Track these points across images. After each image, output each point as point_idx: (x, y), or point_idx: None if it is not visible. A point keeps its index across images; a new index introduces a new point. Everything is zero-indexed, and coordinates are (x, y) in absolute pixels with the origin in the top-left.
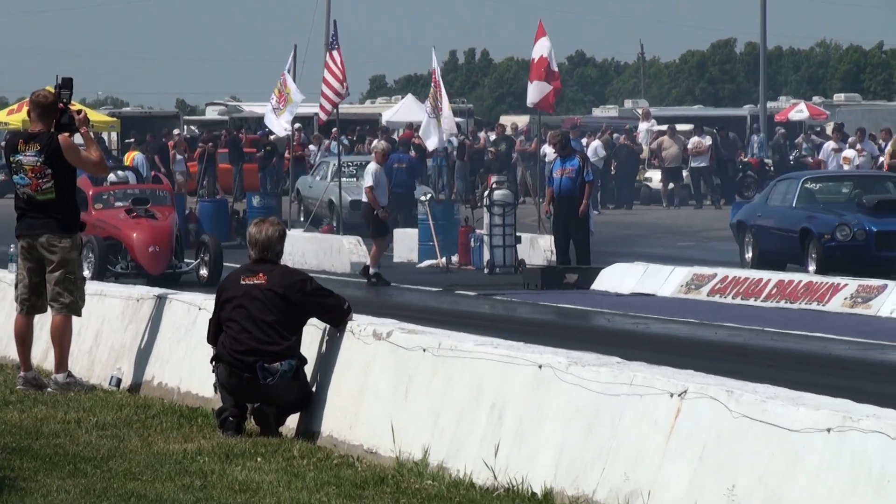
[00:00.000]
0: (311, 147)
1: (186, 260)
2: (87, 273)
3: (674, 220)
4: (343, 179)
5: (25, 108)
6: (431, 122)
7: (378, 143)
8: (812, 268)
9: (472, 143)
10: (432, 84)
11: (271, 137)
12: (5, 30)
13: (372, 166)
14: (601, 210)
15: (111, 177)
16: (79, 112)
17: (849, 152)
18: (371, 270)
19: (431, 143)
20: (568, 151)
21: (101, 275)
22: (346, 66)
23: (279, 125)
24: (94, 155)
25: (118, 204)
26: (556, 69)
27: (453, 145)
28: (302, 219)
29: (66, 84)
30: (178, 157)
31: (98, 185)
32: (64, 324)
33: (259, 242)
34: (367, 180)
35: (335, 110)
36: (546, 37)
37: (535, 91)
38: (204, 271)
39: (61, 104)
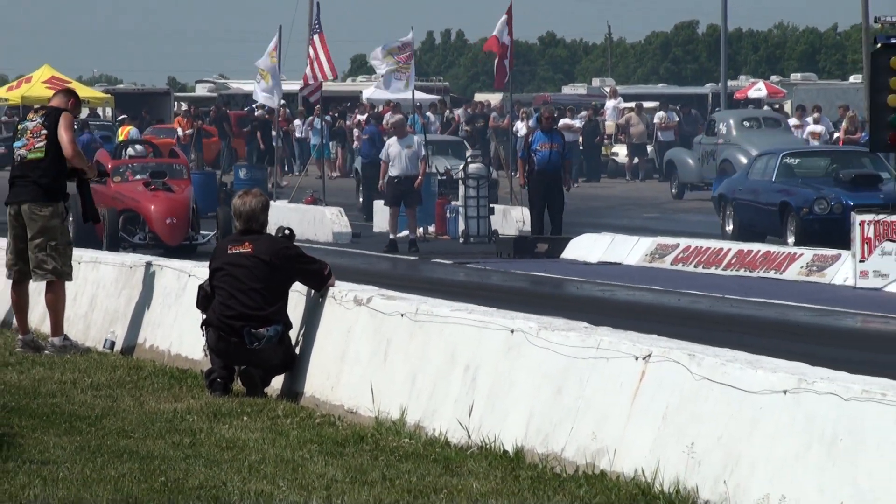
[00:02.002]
0: (297, 122)
1: (203, 231)
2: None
3: (640, 193)
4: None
5: (24, 85)
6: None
7: (392, 118)
8: (791, 240)
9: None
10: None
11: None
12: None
13: (388, 140)
14: (576, 183)
15: (129, 150)
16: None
17: (817, 127)
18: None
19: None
20: (552, 127)
21: (115, 246)
22: (330, 45)
23: (273, 99)
24: (75, 156)
25: (136, 177)
26: (505, 42)
27: (430, 120)
28: (361, 200)
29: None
30: (181, 132)
31: (117, 159)
32: (56, 290)
33: (244, 214)
34: (381, 154)
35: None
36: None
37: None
38: None
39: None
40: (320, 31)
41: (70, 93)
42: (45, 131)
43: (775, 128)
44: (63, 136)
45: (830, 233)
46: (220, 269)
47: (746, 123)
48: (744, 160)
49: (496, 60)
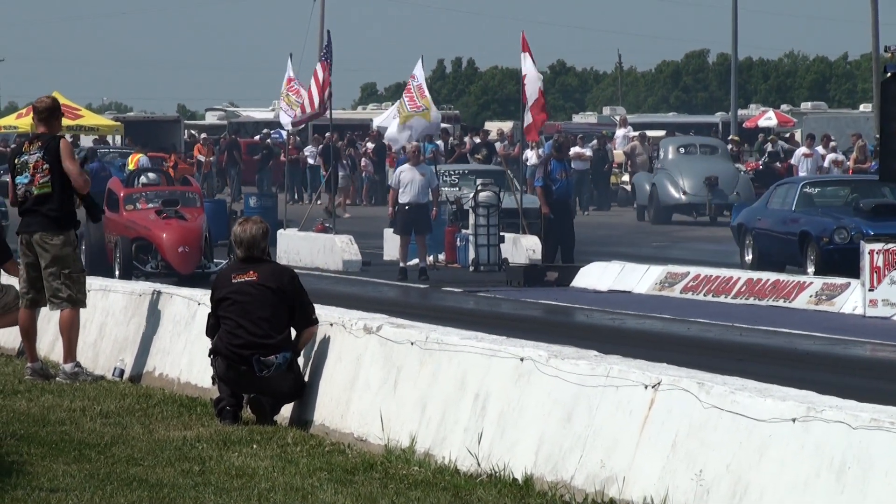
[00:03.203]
0: (310, 148)
1: (216, 260)
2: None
3: (649, 221)
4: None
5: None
6: (394, 122)
7: (409, 144)
8: (811, 269)
9: (459, 147)
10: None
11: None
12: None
13: (400, 167)
14: (588, 211)
15: (143, 178)
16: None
17: (835, 156)
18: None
19: (394, 144)
20: (565, 156)
21: (127, 275)
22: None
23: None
24: (79, 177)
25: (149, 205)
26: (543, 102)
27: (440, 149)
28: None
29: (92, 157)
30: (203, 158)
31: (129, 187)
32: (71, 316)
33: (244, 241)
34: (391, 181)
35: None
36: (533, 64)
37: (528, 118)
38: None
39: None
40: (326, 59)
41: (51, 112)
42: (47, 165)
43: (711, 154)
44: (71, 168)
45: (850, 262)
46: (226, 298)
47: (682, 150)
48: (670, 186)
49: (536, 121)
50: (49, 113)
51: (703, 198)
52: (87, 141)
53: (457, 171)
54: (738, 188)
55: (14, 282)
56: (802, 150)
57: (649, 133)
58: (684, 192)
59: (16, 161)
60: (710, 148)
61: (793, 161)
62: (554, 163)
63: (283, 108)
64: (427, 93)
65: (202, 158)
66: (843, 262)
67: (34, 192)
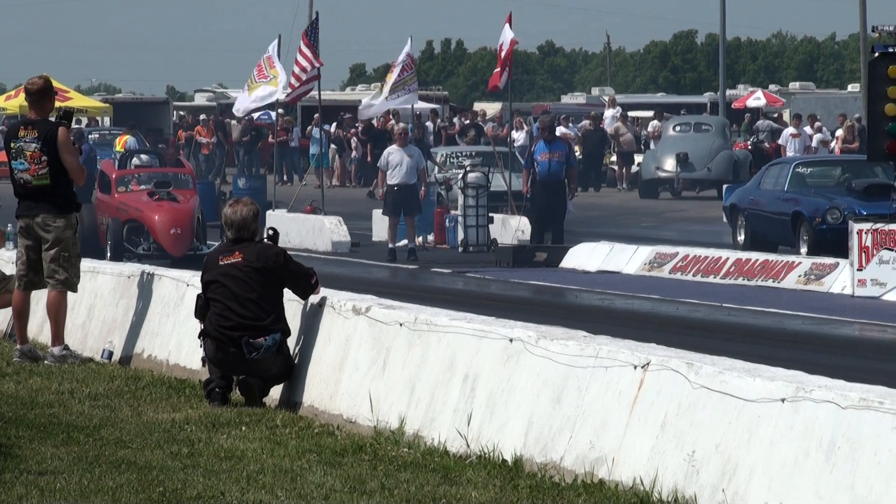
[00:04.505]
0: (296, 130)
1: (209, 242)
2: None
3: (638, 202)
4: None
5: (22, 94)
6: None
7: (397, 126)
8: (804, 250)
9: (446, 130)
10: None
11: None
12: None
13: (388, 149)
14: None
15: (135, 160)
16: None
17: (821, 136)
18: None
19: (365, 114)
20: (553, 136)
21: (118, 257)
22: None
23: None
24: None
25: (141, 187)
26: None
27: (429, 130)
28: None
29: (67, 116)
30: (204, 140)
31: (122, 169)
32: (59, 299)
33: (235, 223)
34: (380, 162)
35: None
36: (508, 26)
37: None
38: None
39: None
40: (310, 40)
41: (43, 93)
42: (45, 157)
43: (703, 132)
44: (70, 162)
45: (843, 242)
46: (214, 280)
47: (678, 129)
48: (651, 163)
49: (495, 72)
50: (41, 94)
51: (673, 173)
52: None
53: (462, 154)
54: (711, 164)
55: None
56: (790, 130)
57: (638, 113)
58: (657, 168)
59: (11, 145)
60: (706, 126)
61: (780, 141)
62: (539, 143)
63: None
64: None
65: (203, 140)
66: (835, 242)
67: (32, 182)
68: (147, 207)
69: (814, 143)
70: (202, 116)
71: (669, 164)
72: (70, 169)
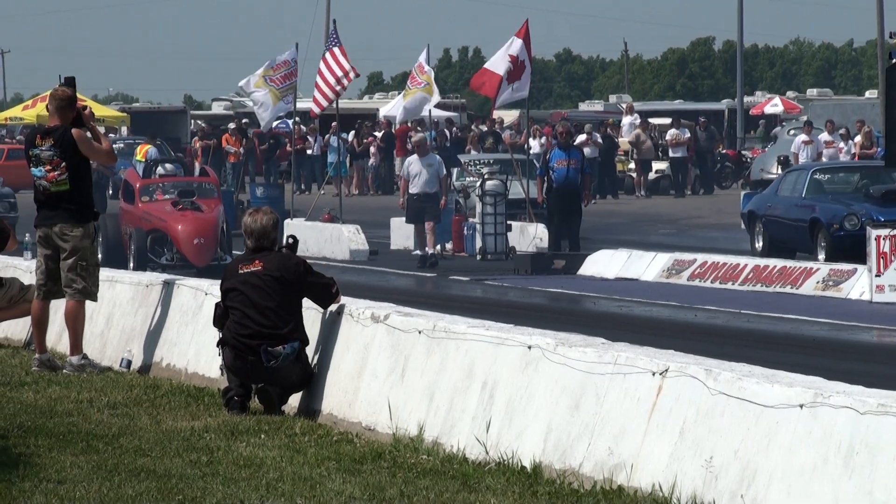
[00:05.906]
0: (309, 139)
1: (234, 251)
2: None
3: (656, 209)
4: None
5: (39, 104)
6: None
7: (416, 136)
8: (821, 256)
9: (462, 135)
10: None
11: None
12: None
13: (409, 158)
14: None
15: (159, 169)
16: (84, 108)
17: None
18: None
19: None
20: (570, 144)
21: (142, 267)
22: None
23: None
24: (104, 145)
25: (165, 196)
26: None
27: (446, 136)
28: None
29: (69, 83)
30: (232, 149)
31: (146, 178)
32: (77, 308)
33: (255, 231)
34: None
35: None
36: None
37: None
38: None
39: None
40: (339, 44)
41: (69, 103)
42: (63, 163)
43: None
44: (97, 151)
45: (861, 249)
46: (234, 289)
47: (792, 132)
48: (758, 165)
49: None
50: (67, 103)
51: (776, 175)
52: None
53: (483, 161)
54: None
55: (13, 265)
56: (802, 137)
57: (656, 121)
58: (762, 169)
59: (30, 153)
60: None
61: (792, 149)
62: (555, 151)
63: (260, 98)
64: (427, 70)
65: (231, 149)
66: (853, 249)
67: (51, 189)
68: (170, 217)
69: (832, 150)
70: (231, 125)
71: (773, 167)
72: (100, 158)
